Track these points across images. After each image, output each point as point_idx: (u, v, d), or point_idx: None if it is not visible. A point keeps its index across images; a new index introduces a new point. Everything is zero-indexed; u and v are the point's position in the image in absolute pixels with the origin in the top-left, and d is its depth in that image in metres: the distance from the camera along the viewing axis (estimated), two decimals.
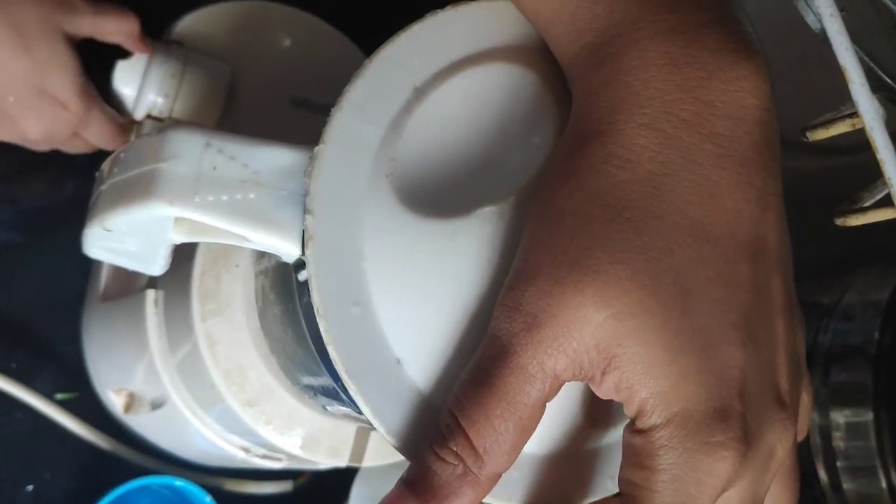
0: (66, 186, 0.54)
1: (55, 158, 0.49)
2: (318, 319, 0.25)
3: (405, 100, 0.27)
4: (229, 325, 0.37)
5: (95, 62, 0.47)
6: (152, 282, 0.42)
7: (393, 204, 0.26)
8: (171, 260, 0.31)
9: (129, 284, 0.46)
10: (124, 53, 0.48)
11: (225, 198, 0.26)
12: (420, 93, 0.27)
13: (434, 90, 0.27)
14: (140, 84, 0.48)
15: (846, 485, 0.51)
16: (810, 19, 0.34)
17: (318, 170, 0.25)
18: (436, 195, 0.26)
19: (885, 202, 0.34)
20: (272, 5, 0.53)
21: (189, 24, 0.51)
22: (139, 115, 0.49)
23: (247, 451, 0.41)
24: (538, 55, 0.27)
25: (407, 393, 0.25)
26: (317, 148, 0.26)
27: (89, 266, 0.51)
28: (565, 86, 0.26)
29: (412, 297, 0.25)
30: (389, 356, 0.25)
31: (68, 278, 0.52)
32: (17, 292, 0.52)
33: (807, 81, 0.43)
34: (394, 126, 0.26)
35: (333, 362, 0.25)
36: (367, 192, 0.26)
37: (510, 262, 0.25)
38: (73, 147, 0.48)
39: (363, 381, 0.25)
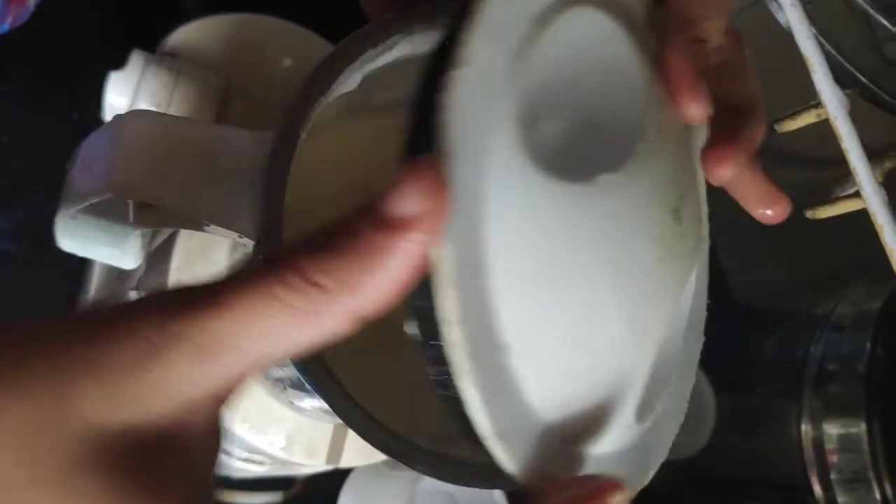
0: (60, 199, 0.54)
1: (51, 172, 0.49)
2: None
3: (527, 32, 0.23)
4: None
5: (90, 68, 0.48)
6: (137, 285, 0.42)
7: (520, 155, 0.22)
8: (143, 253, 0.32)
9: (116, 291, 0.46)
10: (117, 64, 0.49)
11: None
12: (543, 22, 0.23)
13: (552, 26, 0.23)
14: (133, 95, 0.49)
15: (840, 498, 0.50)
16: (780, 17, 0.34)
17: (454, 96, 0.20)
18: (559, 152, 0.23)
19: (856, 195, 0.34)
20: (264, 18, 0.53)
21: (182, 36, 0.52)
22: None
23: (227, 454, 0.41)
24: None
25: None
26: (454, 72, 0.21)
27: (81, 275, 0.51)
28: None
29: (529, 271, 0.22)
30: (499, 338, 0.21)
31: (60, 287, 0.52)
32: (9, 299, 0.52)
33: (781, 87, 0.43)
34: (520, 57, 0.22)
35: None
36: (494, 136, 0.21)
37: (634, 237, 0.23)
38: None
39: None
